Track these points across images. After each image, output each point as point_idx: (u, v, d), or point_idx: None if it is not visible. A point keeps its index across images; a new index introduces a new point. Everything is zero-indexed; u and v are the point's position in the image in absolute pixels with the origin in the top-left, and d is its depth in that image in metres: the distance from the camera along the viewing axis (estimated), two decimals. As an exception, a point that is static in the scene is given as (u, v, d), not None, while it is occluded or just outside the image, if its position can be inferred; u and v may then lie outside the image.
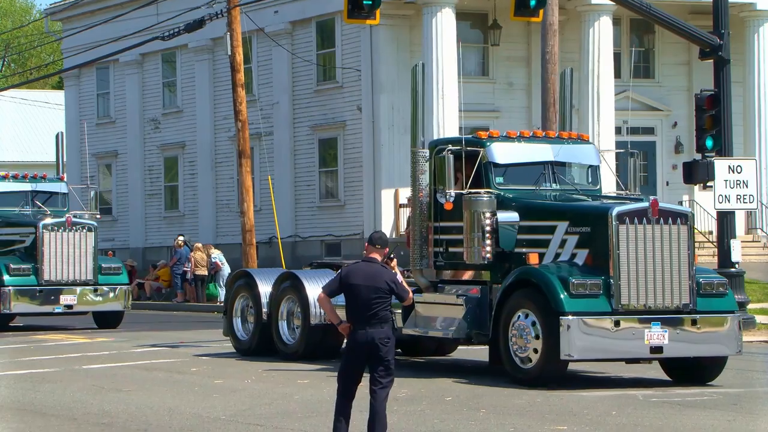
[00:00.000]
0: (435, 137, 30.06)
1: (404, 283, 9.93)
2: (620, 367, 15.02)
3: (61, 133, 27.75)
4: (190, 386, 14.37)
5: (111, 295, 23.64)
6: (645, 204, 13.76)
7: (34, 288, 23.16)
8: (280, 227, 31.27)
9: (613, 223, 13.57)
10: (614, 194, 15.63)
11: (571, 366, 14.35)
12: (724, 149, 20.02)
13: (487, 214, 14.35)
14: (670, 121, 33.17)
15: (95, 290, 23.50)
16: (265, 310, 17.21)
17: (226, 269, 31.75)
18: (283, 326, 17.07)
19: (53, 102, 53.80)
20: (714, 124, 19.83)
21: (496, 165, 14.73)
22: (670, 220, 13.72)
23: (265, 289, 17.29)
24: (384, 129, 30.86)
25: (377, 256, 9.76)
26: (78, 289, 23.32)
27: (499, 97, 31.97)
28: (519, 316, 13.80)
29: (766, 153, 31.65)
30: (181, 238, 33.29)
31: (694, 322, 13.66)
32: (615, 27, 31.27)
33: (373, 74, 30.99)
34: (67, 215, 23.77)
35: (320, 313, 16.19)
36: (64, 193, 25.07)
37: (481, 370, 15.64)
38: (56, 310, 23.36)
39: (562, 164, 15.05)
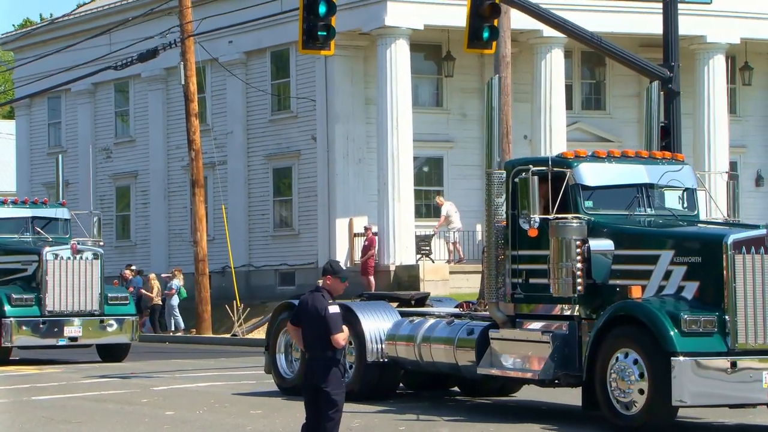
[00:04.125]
0: (390, 167, 30.28)
1: (338, 320, 9.50)
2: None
3: (61, 155, 26.20)
4: (141, 417, 14.20)
5: (118, 326, 22.22)
6: (762, 231, 12.37)
7: (37, 319, 21.65)
8: (233, 256, 31.10)
9: (729, 252, 12.15)
10: (718, 221, 14.22)
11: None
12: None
13: (578, 242, 12.87)
14: (621, 152, 33.51)
15: (101, 321, 22.06)
16: None
17: (175, 299, 31.40)
18: None
19: (4, 132, 53.31)
20: (664, 155, 20.04)
21: (585, 187, 13.29)
22: None
23: None
24: (339, 159, 30.90)
25: (334, 285, 9.77)
26: (83, 320, 21.86)
27: (453, 127, 32.16)
28: (620, 356, 12.37)
29: (714, 184, 32.07)
30: (132, 267, 32.96)
31: None
32: (566, 59, 31.63)
33: (327, 104, 31.06)
34: (71, 242, 22.36)
35: (378, 349, 14.94)
36: (66, 219, 23.48)
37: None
38: (60, 343, 21.90)
39: (654, 187, 13.59)
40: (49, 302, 21.71)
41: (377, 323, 15.06)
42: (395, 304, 15.68)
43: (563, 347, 12.99)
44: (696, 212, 13.86)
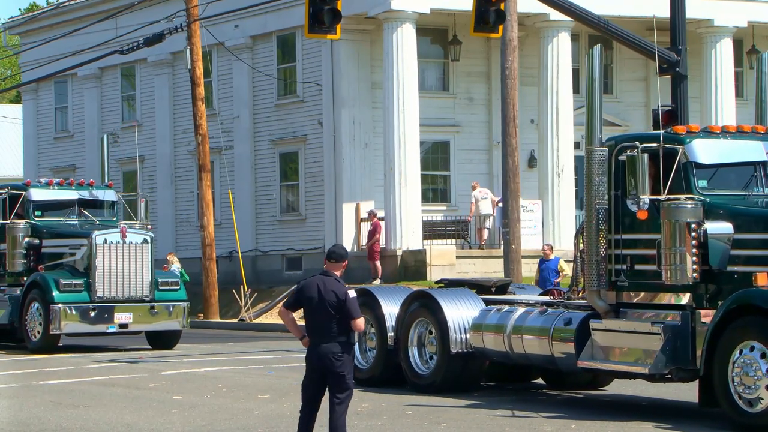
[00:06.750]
0: (396, 151, 30.27)
1: (357, 305, 9.62)
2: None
3: (107, 136, 25.17)
4: (149, 402, 14.26)
5: (168, 313, 21.30)
6: None
7: (86, 306, 20.80)
8: (240, 241, 31.15)
9: None
10: None
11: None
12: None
13: (693, 225, 11.88)
14: (628, 136, 33.42)
15: (152, 308, 21.18)
16: (391, 334, 14.82)
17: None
18: (413, 354, 14.67)
19: (11, 116, 53.35)
20: (672, 138, 19.97)
21: (699, 165, 12.23)
22: None
23: (390, 309, 14.89)
24: (345, 143, 30.90)
25: (336, 270, 9.77)
26: (133, 306, 21.06)
27: (460, 111, 32.12)
28: (743, 350, 11.44)
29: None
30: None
31: None
32: (573, 43, 31.54)
33: (334, 89, 31.03)
34: (121, 225, 21.53)
35: (462, 339, 14.15)
36: (113, 202, 22.62)
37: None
38: (109, 330, 21.06)
39: None
40: (99, 288, 20.88)
41: (461, 311, 14.27)
42: (473, 291, 14.89)
43: (675, 339, 12.05)
44: None
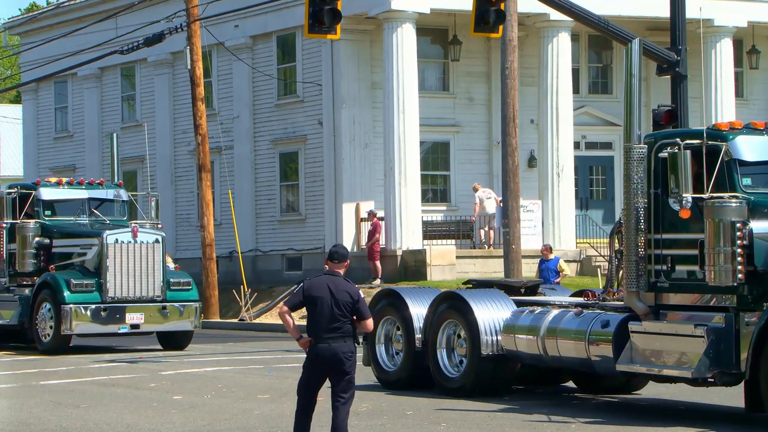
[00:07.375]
0: (396, 151, 30.28)
1: (366, 305, 9.73)
2: None
3: (115, 135, 24.60)
4: (149, 402, 14.27)
5: (180, 313, 21.08)
6: None
7: (98, 306, 20.59)
8: (240, 241, 31.16)
9: None
10: None
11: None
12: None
13: (738, 224, 11.50)
14: (628, 136, 33.39)
15: (163, 308, 20.97)
16: (419, 336, 14.47)
17: None
18: (442, 356, 14.30)
19: (11, 116, 53.38)
20: (672, 139, 19.96)
21: (743, 163, 11.91)
22: None
23: (418, 311, 14.54)
24: (345, 143, 30.91)
25: (339, 270, 9.78)
26: (145, 306, 20.85)
27: (460, 111, 32.14)
28: None
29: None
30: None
31: None
32: (573, 43, 31.55)
33: (334, 89, 31.05)
34: (133, 225, 21.31)
35: (494, 341, 13.82)
36: (124, 201, 22.42)
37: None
38: (121, 330, 20.83)
39: None
40: (111, 288, 20.67)
41: (491, 313, 13.97)
42: (503, 292, 14.59)
43: (719, 342, 11.70)
44: None
